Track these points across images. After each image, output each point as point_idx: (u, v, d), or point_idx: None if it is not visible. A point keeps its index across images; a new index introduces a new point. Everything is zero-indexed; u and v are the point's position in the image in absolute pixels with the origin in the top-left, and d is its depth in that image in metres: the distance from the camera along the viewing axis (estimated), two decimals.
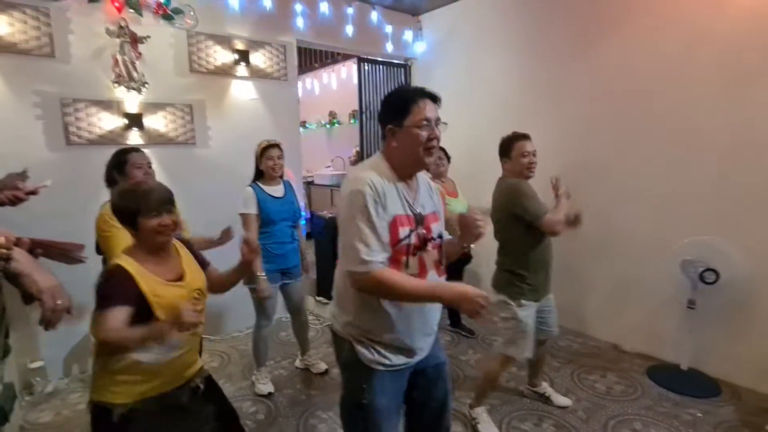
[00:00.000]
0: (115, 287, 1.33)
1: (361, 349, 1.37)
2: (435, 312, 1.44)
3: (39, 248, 0.80)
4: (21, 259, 0.72)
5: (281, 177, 2.65)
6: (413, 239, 1.31)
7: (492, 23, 3.86)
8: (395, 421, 1.45)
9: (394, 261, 1.29)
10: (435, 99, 1.34)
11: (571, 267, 3.26)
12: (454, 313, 3.53)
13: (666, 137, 2.84)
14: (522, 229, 2.13)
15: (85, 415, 2.46)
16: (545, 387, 2.53)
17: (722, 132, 2.60)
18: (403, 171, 1.36)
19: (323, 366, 2.88)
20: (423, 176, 1.46)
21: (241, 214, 2.48)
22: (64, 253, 0.84)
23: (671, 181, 2.84)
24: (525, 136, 2.18)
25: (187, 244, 1.65)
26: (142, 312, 1.35)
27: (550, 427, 2.29)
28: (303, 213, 2.71)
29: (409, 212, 1.33)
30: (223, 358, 3.14)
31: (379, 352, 1.36)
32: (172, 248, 1.54)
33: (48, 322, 0.77)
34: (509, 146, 2.18)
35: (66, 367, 2.89)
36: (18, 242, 0.74)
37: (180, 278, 1.49)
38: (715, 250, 2.49)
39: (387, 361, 1.37)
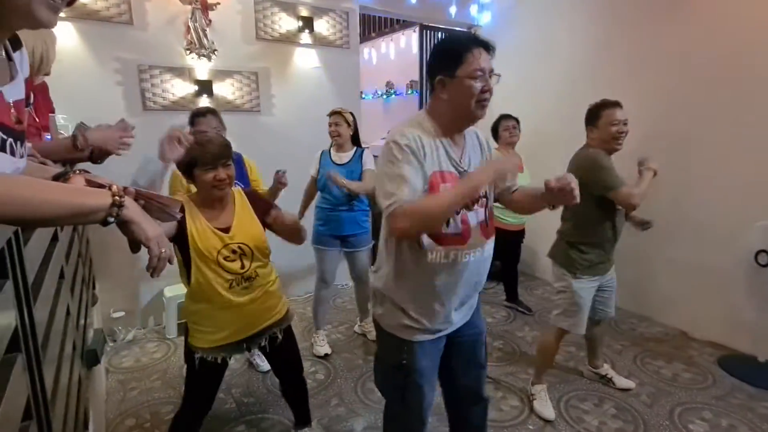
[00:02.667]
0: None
1: (392, 323, 1.38)
2: (476, 275, 1.37)
3: (142, 199, 0.83)
4: (131, 207, 0.75)
5: (357, 144, 2.71)
6: None
7: None
8: (434, 383, 1.45)
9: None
10: (489, 48, 1.25)
11: (640, 247, 3.07)
12: (511, 289, 3.46)
13: (756, 113, 2.56)
14: (592, 203, 2.01)
15: (161, 363, 2.70)
16: (607, 368, 2.44)
17: None
18: (452, 125, 1.28)
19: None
20: (472, 132, 1.38)
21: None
22: (162, 208, 0.88)
23: (760, 162, 2.57)
24: (616, 104, 2.03)
25: (252, 195, 1.71)
26: (181, 239, 1.48)
27: (611, 408, 2.23)
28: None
29: (453, 169, 1.27)
30: None
31: (411, 319, 1.35)
32: (230, 200, 1.61)
33: (154, 269, 0.81)
34: (597, 113, 2.04)
35: (143, 319, 3.13)
36: (125, 191, 0.77)
37: (226, 229, 1.55)
38: None
39: (420, 330, 1.36)
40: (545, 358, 2.27)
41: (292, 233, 1.66)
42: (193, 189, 1.64)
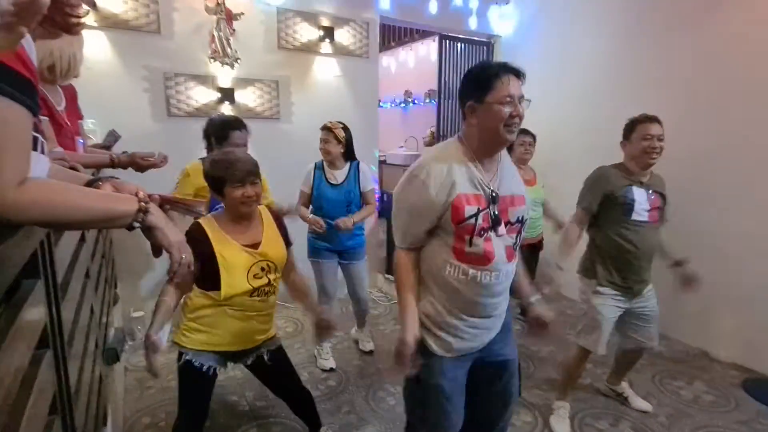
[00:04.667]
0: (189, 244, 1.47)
1: (425, 336, 1.37)
2: (496, 295, 1.35)
3: (167, 204, 0.87)
4: (156, 213, 0.78)
5: (349, 160, 2.61)
6: (480, 220, 1.27)
7: (583, 4, 3.59)
8: (457, 402, 1.41)
9: (458, 238, 1.28)
10: (519, 75, 1.28)
11: (660, 263, 3.01)
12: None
13: None
14: (602, 218, 2.06)
15: (177, 363, 2.74)
16: (624, 387, 2.39)
17: None
18: (482, 150, 1.31)
19: (369, 346, 2.88)
20: (509, 159, 1.42)
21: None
22: (188, 208, 0.93)
23: None
24: (652, 119, 2.00)
25: (277, 216, 1.75)
26: (209, 268, 1.50)
27: (628, 429, 2.18)
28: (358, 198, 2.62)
29: (480, 191, 1.29)
30: (297, 325, 3.29)
31: (437, 336, 1.35)
32: (257, 216, 1.65)
33: (174, 274, 0.84)
34: (631, 128, 2.02)
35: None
36: (150, 198, 0.80)
37: (255, 245, 1.59)
38: None
39: (445, 346, 1.35)
40: (568, 376, 2.23)
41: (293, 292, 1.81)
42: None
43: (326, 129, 2.53)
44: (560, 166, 3.40)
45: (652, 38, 3.13)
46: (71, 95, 1.94)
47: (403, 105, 6.04)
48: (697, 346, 2.99)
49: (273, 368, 1.75)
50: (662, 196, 2.06)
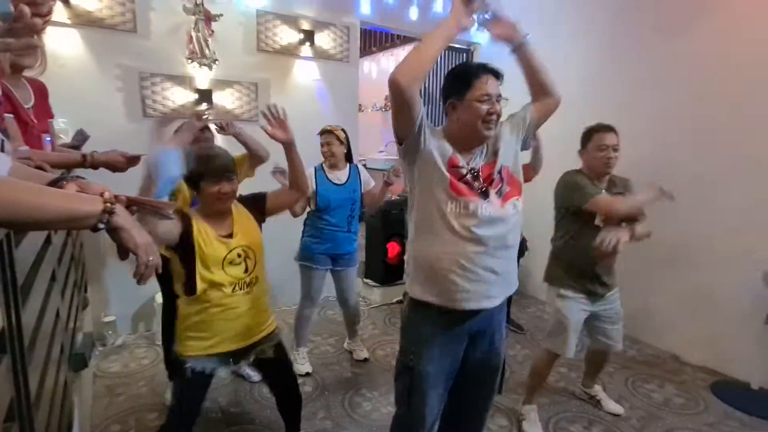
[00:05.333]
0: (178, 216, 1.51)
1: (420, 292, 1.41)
2: (501, 238, 1.37)
3: (135, 205, 0.85)
4: (121, 215, 0.76)
5: (349, 162, 2.65)
6: (469, 176, 1.36)
7: (568, 8, 3.67)
8: (442, 387, 1.46)
9: (451, 176, 1.34)
10: (497, 75, 1.36)
11: (634, 269, 3.09)
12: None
13: (754, 137, 2.60)
14: (570, 218, 2.09)
15: (148, 369, 2.68)
16: (598, 390, 2.44)
17: None
18: (462, 144, 1.38)
19: (363, 354, 2.86)
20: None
21: None
22: (156, 211, 0.90)
23: (757, 186, 2.60)
24: (607, 128, 2.05)
25: (242, 198, 1.74)
26: (186, 250, 1.50)
27: None
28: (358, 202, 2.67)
29: (465, 172, 1.36)
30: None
31: (434, 291, 1.39)
32: (228, 211, 1.65)
33: (141, 276, 0.81)
34: (588, 137, 2.07)
35: (133, 324, 3.11)
36: (116, 199, 0.78)
37: (229, 236, 1.60)
38: None
39: (438, 319, 1.39)
40: (536, 378, 2.26)
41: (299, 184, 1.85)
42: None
43: (327, 132, 2.55)
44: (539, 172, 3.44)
45: (634, 46, 3.21)
46: (41, 93, 1.88)
47: (383, 110, 6.07)
48: (667, 350, 3.07)
49: (273, 363, 1.74)
50: None
